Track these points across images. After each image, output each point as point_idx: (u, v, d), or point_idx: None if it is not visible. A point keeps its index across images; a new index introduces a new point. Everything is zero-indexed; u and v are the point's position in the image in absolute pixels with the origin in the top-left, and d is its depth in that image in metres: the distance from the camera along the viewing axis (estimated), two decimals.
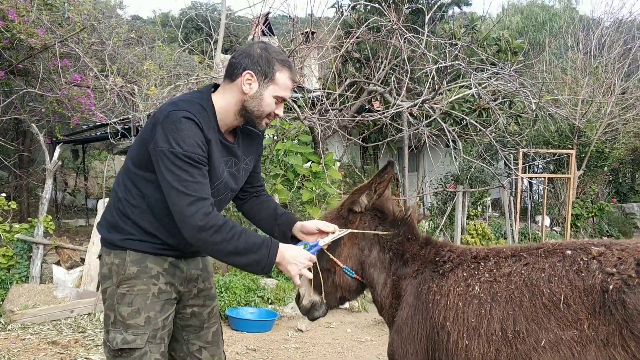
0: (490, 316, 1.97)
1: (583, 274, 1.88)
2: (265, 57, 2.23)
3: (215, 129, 2.22)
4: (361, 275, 2.40)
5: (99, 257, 2.34)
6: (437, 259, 2.27)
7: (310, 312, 2.45)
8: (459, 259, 2.22)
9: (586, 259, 1.93)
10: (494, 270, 2.08)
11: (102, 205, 6.52)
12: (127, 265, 2.23)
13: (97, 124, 10.44)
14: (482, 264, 2.14)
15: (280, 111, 2.32)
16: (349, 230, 2.37)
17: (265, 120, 2.30)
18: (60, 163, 7.07)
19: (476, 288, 2.06)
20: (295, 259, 2.21)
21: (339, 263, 2.35)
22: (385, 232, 2.37)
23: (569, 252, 1.99)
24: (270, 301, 6.68)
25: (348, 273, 2.36)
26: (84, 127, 12.66)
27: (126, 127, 8.60)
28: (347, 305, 7.00)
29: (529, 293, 1.94)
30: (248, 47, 2.30)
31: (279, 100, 2.29)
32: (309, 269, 2.27)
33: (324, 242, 2.33)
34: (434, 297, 2.14)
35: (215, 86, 2.36)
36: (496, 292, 2.01)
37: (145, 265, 2.25)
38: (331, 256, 2.34)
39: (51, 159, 6.80)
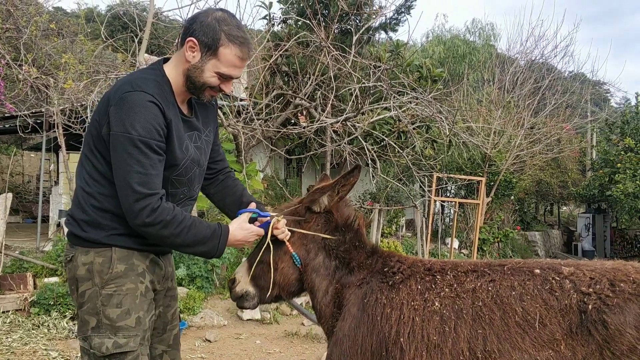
0: (456, 334, 1.87)
1: (557, 294, 1.83)
2: (213, 27, 2.01)
3: (174, 104, 2.09)
4: (302, 278, 2.28)
5: (68, 260, 2.13)
6: (385, 269, 2.16)
7: (240, 300, 2.36)
8: (410, 271, 2.11)
9: (558, 279, 1.87)
10: (455, 285, 1.98)
11: (2, 200, 6.12)
12: (113, 263, 2.07)
13: (6, 115, 9.80)
14: (438, 277, 2.04)
15: (227, 88, 2.16)
16: (299, 218, 2.30)
17: (208, 92, 2.14)
18: None
19: (436, 303, 1.95)
20: (245, 238, 2.20)
21: (290, 248, 2.25)
22: (331, 237, 2.27)
23: (537, 270, 1.93)
24: (179, 310, 6.52)
25: (295, 261, 2.26)
26: None
27: (38, 121, 8.15)
28: (258, 316, 6.97)
29: (500, 311, 1.86)
30: (204, 12, 2.09)
31: (224, 77, 2.09)
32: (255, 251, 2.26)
33: (275, 218, 2.24)
34: (383, 309, 2.03)
35: (166, 60, 2.19)
36: (461, 308, 1.91)
37: (132, 263, 2.12)
38: (285, 241, 2.25)
39: None
